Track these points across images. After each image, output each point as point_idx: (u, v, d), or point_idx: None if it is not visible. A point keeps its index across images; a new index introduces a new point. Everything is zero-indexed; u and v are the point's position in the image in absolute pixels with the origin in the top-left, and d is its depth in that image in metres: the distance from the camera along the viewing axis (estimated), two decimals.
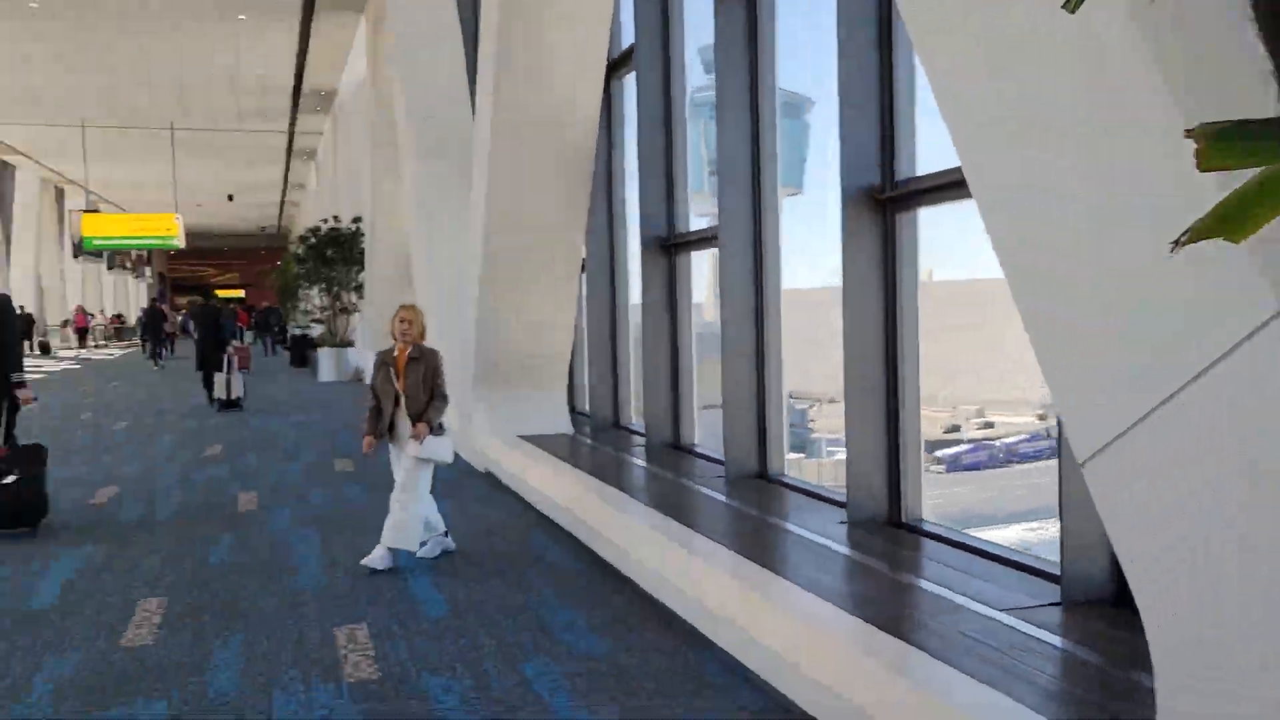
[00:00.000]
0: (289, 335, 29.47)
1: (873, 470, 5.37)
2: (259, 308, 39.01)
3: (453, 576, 5.64)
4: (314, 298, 23.42)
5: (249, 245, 62.78)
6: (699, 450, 8.03)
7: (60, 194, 42.55)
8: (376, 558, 5.78)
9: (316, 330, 27.94)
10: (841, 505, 5.57)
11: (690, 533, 5.40)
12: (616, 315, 9.75)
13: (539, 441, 8.80)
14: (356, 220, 20.32)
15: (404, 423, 5.90)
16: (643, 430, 9.21)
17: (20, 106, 23.77)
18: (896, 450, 5.36)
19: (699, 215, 8.39)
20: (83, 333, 37.39)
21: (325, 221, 20.94)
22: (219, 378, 14.97)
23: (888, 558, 4.72)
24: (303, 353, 25.01)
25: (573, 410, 10.07)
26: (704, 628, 4.55)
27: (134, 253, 43.11)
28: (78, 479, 8.99)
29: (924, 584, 4.28)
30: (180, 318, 43.47)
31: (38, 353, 31.10)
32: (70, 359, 30.46)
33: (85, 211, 28.54)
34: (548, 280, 8.89)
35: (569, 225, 8.71)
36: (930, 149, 5.36)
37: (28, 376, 7.40)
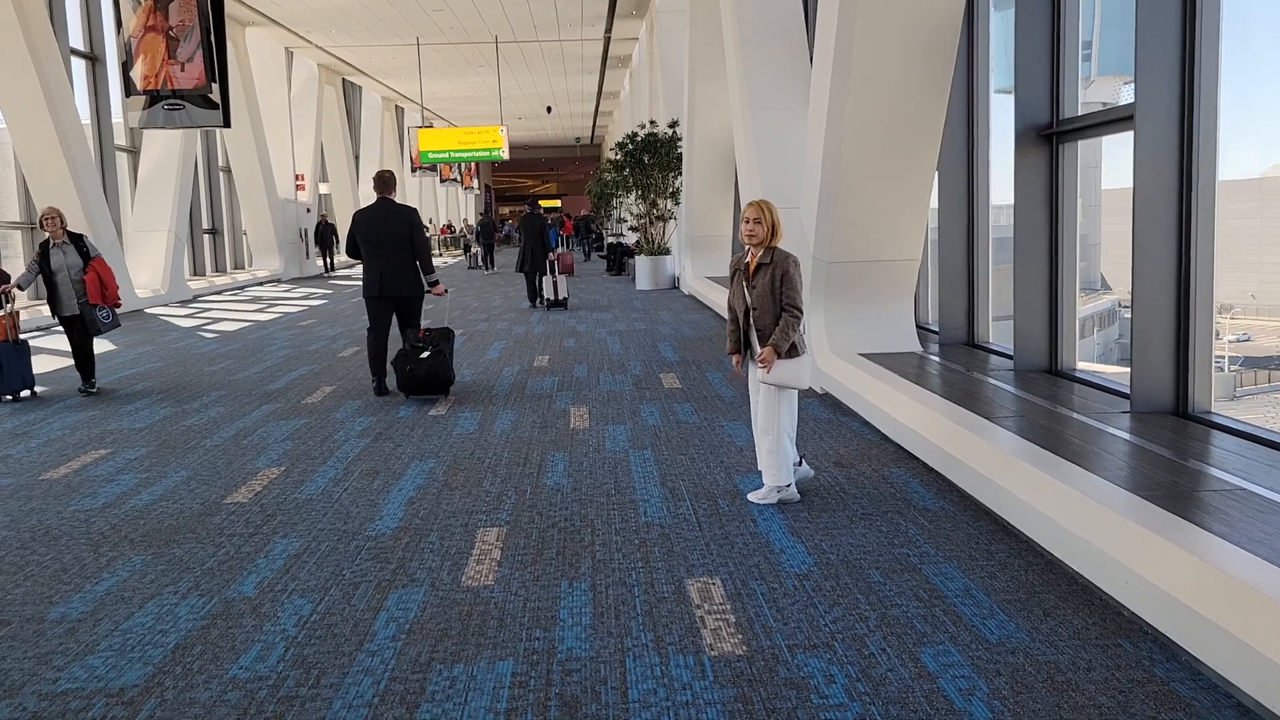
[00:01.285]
0: (605, 243, 29.92)
1: None
2: (576, 216, 39.98)
3: (810, 519, 4.92)
4: (630, 205, 23.36)
5: (565, 156, 64.97)
6: (1083, 377, 6.81)
7: (400, 112, 45.53)
8: (762, 493, 5.23)
9: (632, 238, 28.14)
10: None
11: (1096, 480, 4.35)
12: (974, 217, 8.53)
13: (884, 361, 7.88)
14: (674, 124, 19.83)
15: (756, 341, 5.22)
16: (1005, 350, 8.06)
17: (364, 29, 25.13)
18: None
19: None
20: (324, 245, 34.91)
21: (642, 127, 20.63)
22: (546, 280, 16.52)
23: None
24: (619, 260, 25.19)
25: (916, 326, 9.03)
26: (1147, 612, 3.54)
27: (462, 165, 45.54)
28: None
29: None
30: (505, 227, 45.84)
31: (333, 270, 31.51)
32: None
33: (420, 128, 30.08)
34: (900, 174, 7.82)
35: (927, 110, 7.56)
36: None
37: None
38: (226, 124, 15.78)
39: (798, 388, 5.21)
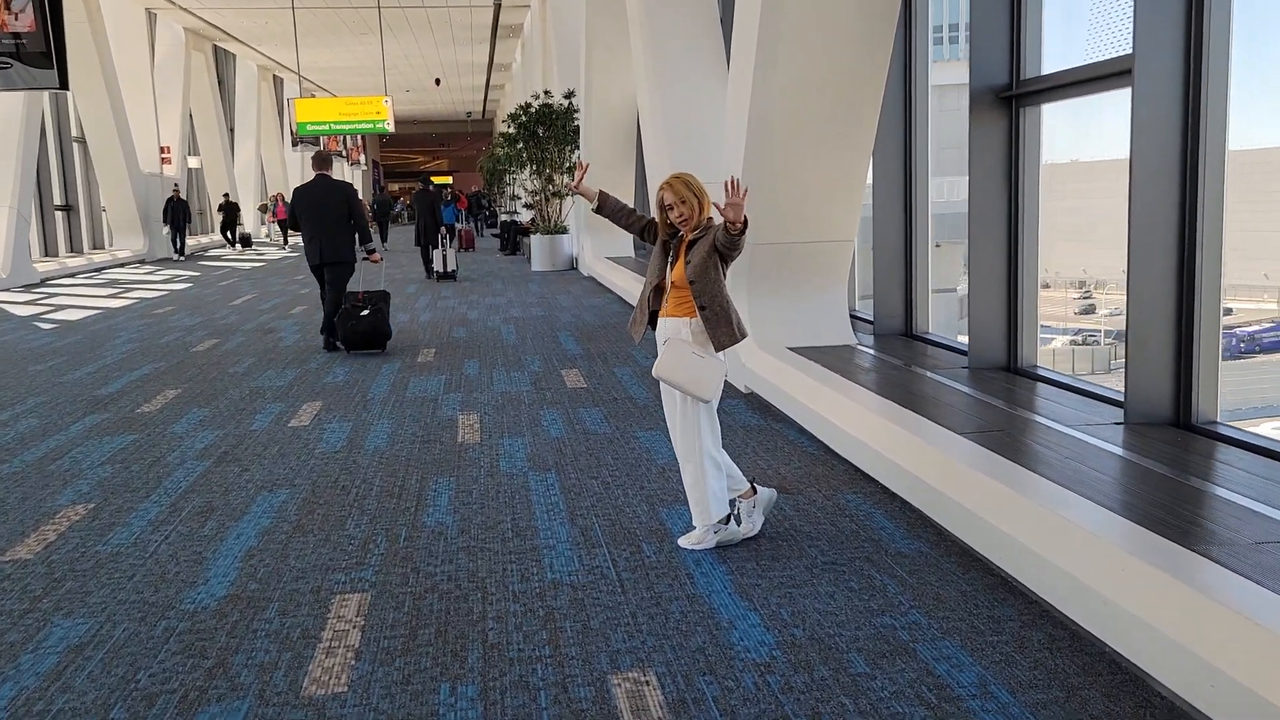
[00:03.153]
0: (499, 220, 28.51)
1: None
2: (468, 192, 38.37)
3: (760, 571, 3.91)
4: (524, 181, 22.09)
5: (456, 131, 62.94)
6: (1051, 377, 5.97)
7: (279, 83, 43.03)
8: (695, 536, 4.19)
9: (527, 216, 26.86)
10: None
11: (1121, 523, 3.43)
12: (912, 192, 7.64)
13: (818, 356, 6.93)
14: (569, 95, 18.64)
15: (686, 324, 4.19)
16: (948, 342, 7.20)
17: None
18: None
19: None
20: (284, 224, 31.30)
21: (536, 97, 19.36)
22: (436, 254, 17.28)
23: None
24: (514, 239, 23.90)
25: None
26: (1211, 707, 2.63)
27: (349, 141, 43.32)
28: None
29: None
30: (397, 204, 43.87)
31: (239, 246, 29.50)
32: (273, 250, 30.54)
33: (298, 99, 28.16)
34: (837, 142, 6.84)
35: (868, 68, 6.59)
36: None
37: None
38: (63, 85, 13.99)
39: (700, 398, 4.08)
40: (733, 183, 3.87)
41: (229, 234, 29.83)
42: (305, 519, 4.71)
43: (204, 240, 31.00)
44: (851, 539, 4.25)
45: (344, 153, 44.73)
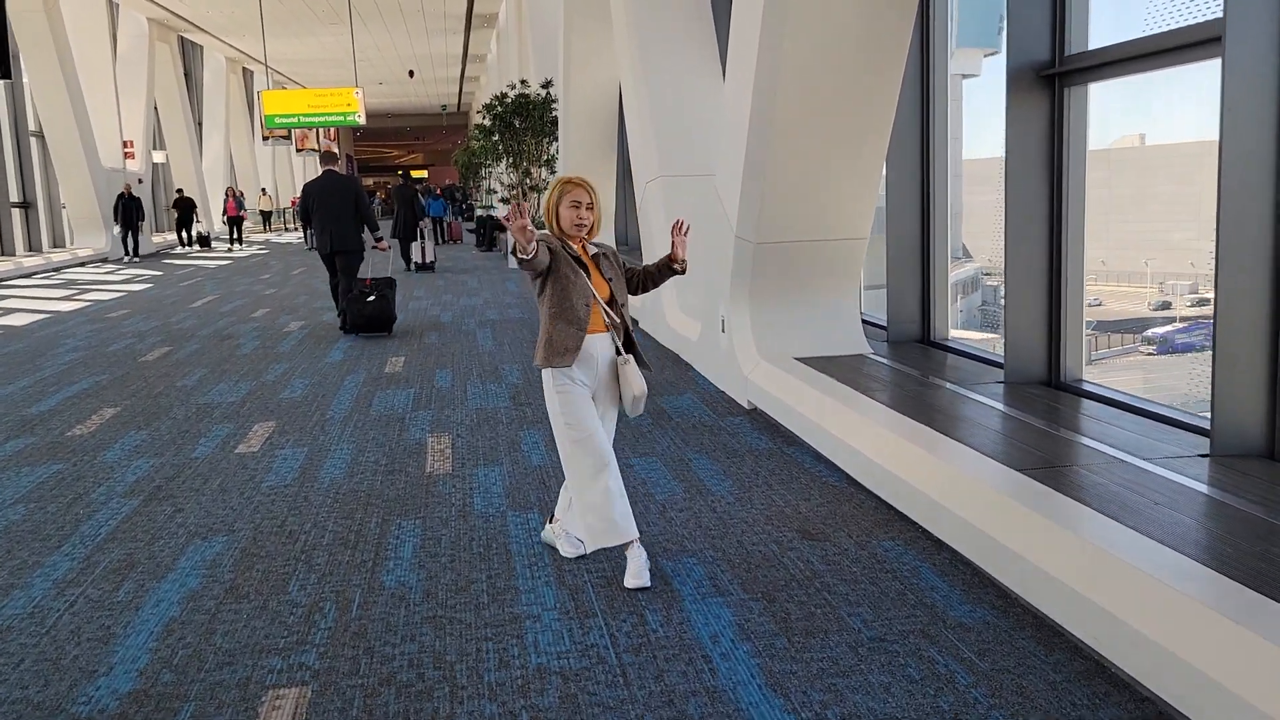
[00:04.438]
0: (475, 215, 27.67)
1: None
2: (442, 186, 37.44)
3: (794, 650, 3.17)
4: (500, 174, 21.28)
5: (431, 125, 61.99)
6: (1095, 391, 5.27)
7: (248, 76, 41.93)
8: (634, 570, 3.75)
9: (503, 211, 26.03)
10: None
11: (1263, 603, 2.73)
12: (930, 183, 6.93)
13: (828, 367, 6.22)
14: (547, 84, 17.85)
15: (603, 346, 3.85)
16: (979, 353, 6.51)
17: None
18: None
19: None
20: (235, 222, 27.87)
21: (512, 87, 18.56)
22: (415, 246, 17.79)
23: None
24: (490, 235, 23.07)
25: None
26: None
27: (321, 133, 42.29)
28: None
29: None
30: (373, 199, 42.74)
31: (197, 247, 27.44)
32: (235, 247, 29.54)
33: (266, 91, 27.21)
34: (851, 128, 6.10)
35: (888, 43, 5.86)
36: None
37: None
38: (4, 75, 13.07)
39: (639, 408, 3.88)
40: (680, 224, 3.92)
41: (184, 233, 27.35)
42: (241, 578, 3.95)
43: (170, 238, 29.89)
44: (898, 603, 3.52)
45: (316, 148, 43.74)
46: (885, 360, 6.57)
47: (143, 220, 24.37)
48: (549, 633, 3.37)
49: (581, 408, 3.74)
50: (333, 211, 9.96)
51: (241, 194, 29.70)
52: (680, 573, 3.85)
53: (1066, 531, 3.36)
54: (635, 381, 3.79)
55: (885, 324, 7.30)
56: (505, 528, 4.44)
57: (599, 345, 3.78)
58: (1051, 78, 5.32)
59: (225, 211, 28.26)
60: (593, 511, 3.73)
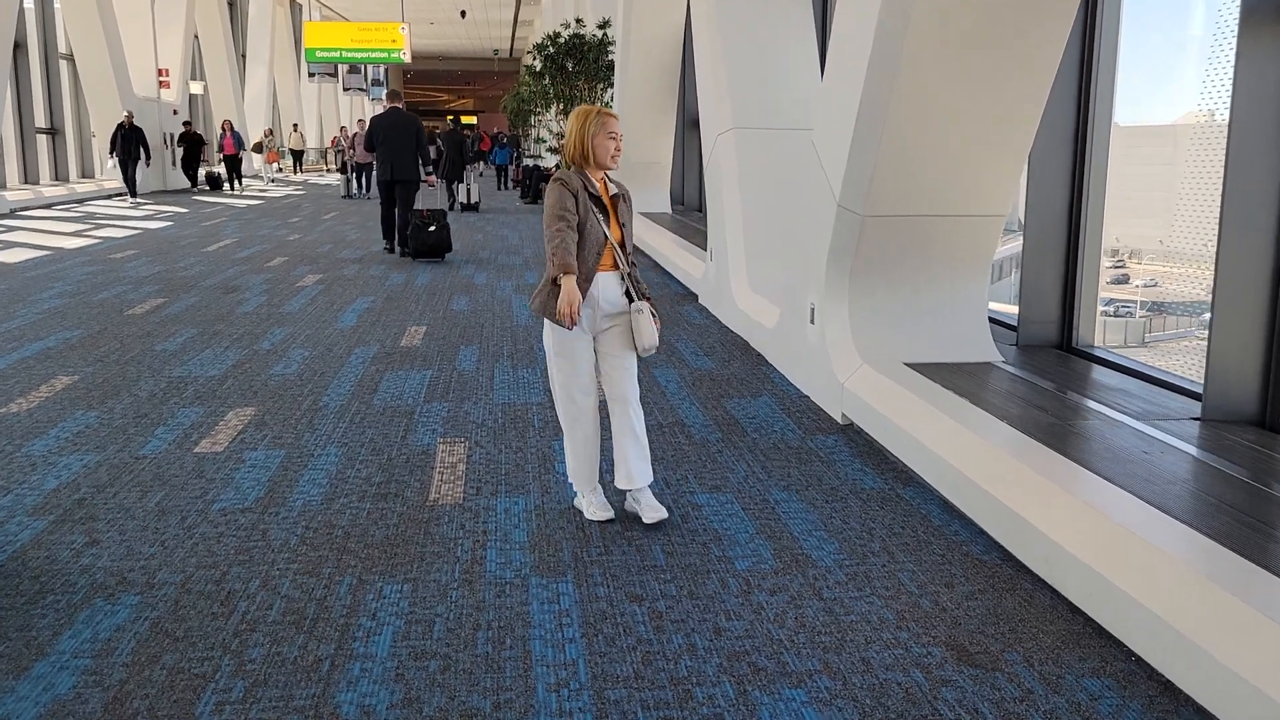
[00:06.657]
0: (521, 165, 26.26)
1: None
2: (491, 133, 36.04)
3: None
4: (550, 122, 19.91)
5: (483, 70, 60.49)
6: None
7: (297, 9, 40.62)
8: (647, 504, 3.80)
9: (552, 161, 24.63)
10: None
11: None
12: (1087, 151, 5.48)
13: (947, 377, 4.86)
14: (604, 25, 16.38)
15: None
16: (1148, 371, 5.11)
17: None
18: None
19: None
20: (232, 162, 24.47)
21: (566, 26, 17.11)
22: (460, 187, 18.90)
23: None
24: (536, 186, 21.72)
25: None
26: None
27: (368, 72, 40.92)
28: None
29: None
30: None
31: (207, 188, 24.37)
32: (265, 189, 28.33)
33: (308, 22, 25.94)
34: (996, 77, 4.68)
35: None
36: None
37: None
38: None
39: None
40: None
41: (191, 171, 24.34)
42: (132, 685, 2.69)
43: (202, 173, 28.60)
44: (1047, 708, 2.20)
45: (365, 86, 42.33)
46: (1020, 372, 5.18)
47: (147, 157, 20.37)
48: None
49: (576, 350, 3.72)
50: (395, 144, 10.97)
51: (240, 133, 25.76)
52: (784, 714, 2.55)
53: None
54: (647, 332, 3.70)
55: (1015, 324, 5.90)
56: (526, 607, 3.14)
57: (604, 283, 3.71)
58: None
59: (221, 149, 24.73)
60: (571, 455, 3.85)
